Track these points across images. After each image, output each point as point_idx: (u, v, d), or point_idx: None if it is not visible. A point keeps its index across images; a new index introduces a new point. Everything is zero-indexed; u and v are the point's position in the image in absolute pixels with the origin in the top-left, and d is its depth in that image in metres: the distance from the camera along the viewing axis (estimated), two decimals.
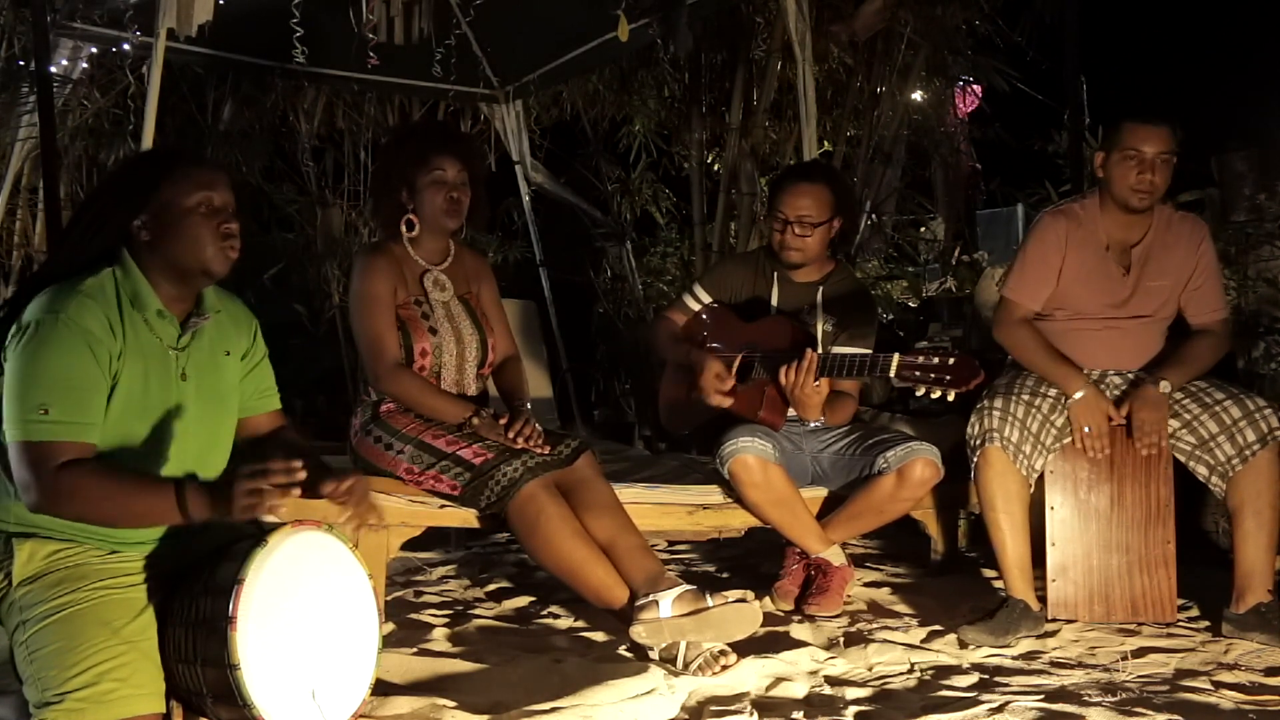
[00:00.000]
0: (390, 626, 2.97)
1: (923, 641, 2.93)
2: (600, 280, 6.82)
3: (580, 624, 3.11)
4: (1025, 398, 3.05)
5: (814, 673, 2.66)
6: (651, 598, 2.67)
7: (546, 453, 2.91)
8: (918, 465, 3.09)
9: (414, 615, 3.18)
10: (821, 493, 3.33)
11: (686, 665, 2.62)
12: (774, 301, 3.41)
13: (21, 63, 4.92)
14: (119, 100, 5.36)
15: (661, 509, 3.25)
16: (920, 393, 2.91)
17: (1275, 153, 4.74)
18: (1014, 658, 2.80)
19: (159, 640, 1.98)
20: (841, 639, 2.95)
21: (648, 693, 2.45)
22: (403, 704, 2.38)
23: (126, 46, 4.66)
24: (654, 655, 2.69)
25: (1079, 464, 3.08)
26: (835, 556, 3.25)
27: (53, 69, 4.34)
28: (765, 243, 3.60)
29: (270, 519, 2.34)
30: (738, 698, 2.47)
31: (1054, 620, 3.03)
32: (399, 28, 4.88)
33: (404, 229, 3.08)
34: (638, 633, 2.66)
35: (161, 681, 1.95)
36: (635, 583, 2.74)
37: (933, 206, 8.19)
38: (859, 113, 6.18)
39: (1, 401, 1.96)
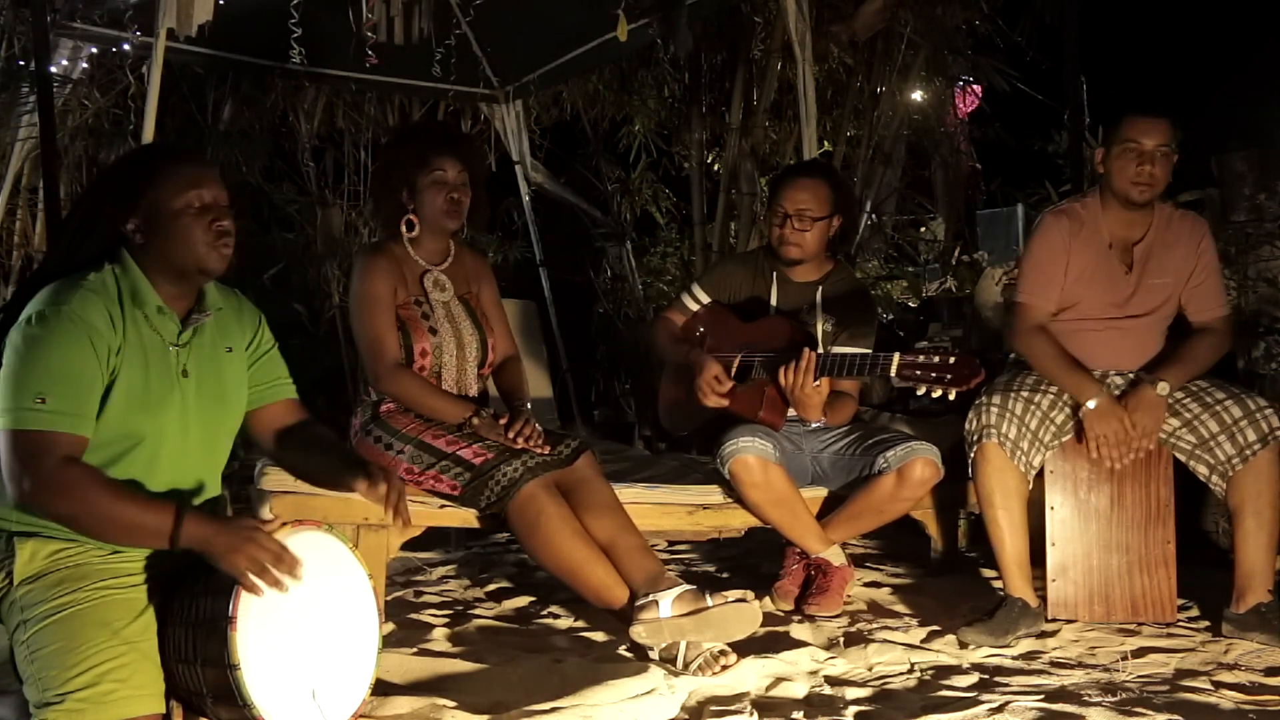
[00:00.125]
0: (390, 626, 2.97)
1: (923, 641, 2.93)
2: (600, 280, 6.82)
3: (580, 624, 3.11)
4: (1024, 394, 3.05)
5: (814, 673, 2.66)
6: (651, 598, 2.67)
7: (546, 453, 2.91)
8: (918, 465, 3.09)
9: (414, 615, 3.18)
10: (821, 493, 3.33)
11: (686, 665, 2.62)
12: (773, 301, 3.41)
13: (21, 63, 4.92)
14: (119, 100, 5.36)
15: (661, 509, 3.25)
16: (921, 392, 2.91)
17: (1275, 153, 4.74)
18: (1014, 658, 2.80)
19: (159, 640, 1.98)
20: (841, 639, 2.95)
21: (648, 693, 2.45)
22: (403, 704, 2.38)
23: (126, 46, 4.67)
24: (654, 655, 2.69)
25: (1079, 464, 3.08)
26: (835, 556, 3.25)
27: (53, 69, 4.34)
28: (765, 242, 3.60)
29: (269, 518, 2.34)
30: (738, 698, 2.47)
31: (1054, 620, 3.03)
32: (399, 28, 4.88)
33: (404, 229, 3.08)
34: (637, 633, 2.66)
35: (161, 682, 1.96)
36: (635, 583, 2.74)
37: (933, 206, 8.19)
38: (859, 113, 6.18)
39: None
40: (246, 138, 6.01)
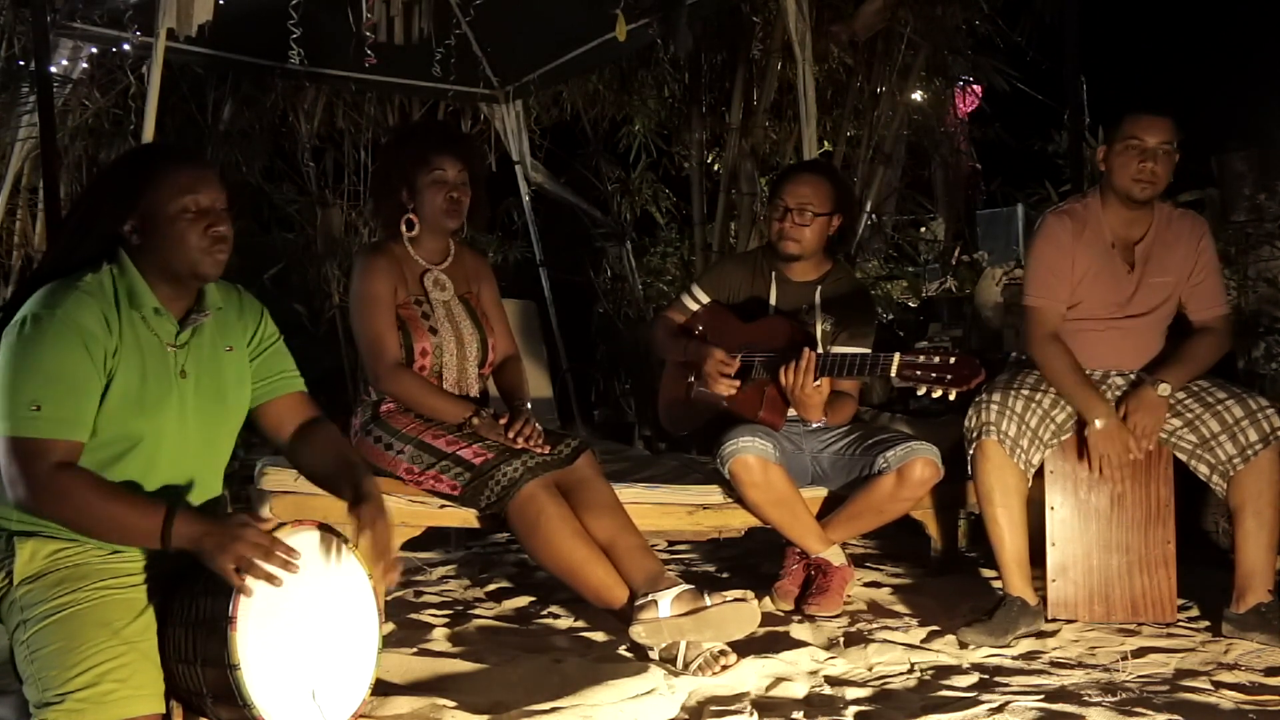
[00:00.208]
0: (390, 626, 2.97)
1: (923, 641, 2.93)
2: (600, 280, 6.81)
3: (580, 624, 3.11)
4: (1025, 393, 3.04)
5: (814, 673, 2.66)
6: (651, 597, 2.67)
7: (546, 453, 2.90)
8: (917, 465, 3.09)
9: (414, 615, 3.18)
10: (821, 493, 3.33)
11: (686, 665, 2.62)
12: (772, 301, 3.41)
13: (21, 63, 4.92)
14: (119, 100, 5.36)
15: (661, 509, 3.25)
16: (921, 392, 2.91)
17: (1275, 153, 4.75)
18: (1014, 658, 2.80)
19: (159, 640, 1.98)
20: (841, 639, 2.95)
21: (648, 693, 2.45)
22: (403, 704, 2.38)
23: (126, 46, 4.66)
24: (654, 655, 2.69)
25: (1079, 464, 3.08)
26: (835, 556, 3.25)
27: (53, 69, 4.34)
28: (764, 242, 3.60)
29: (269, 517, 2.33)
30: (738, 698, 2.47)
31: (1054, 620, 3.03)
32: (399, 28, 4.87)
33: (404, 229, 3.08)
34: (637, 633, 2.66)
35: (161, 682, 1.95)
36: (635, 582, 2.74)
37: (933, 206, 8.19)
38: (859, 113, 6.17)
39: None
40: (246, 138, 6.01)
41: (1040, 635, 2.94)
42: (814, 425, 3.29)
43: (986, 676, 2.64)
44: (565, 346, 5.81)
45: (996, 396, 3.02)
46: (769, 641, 2.87)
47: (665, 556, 3.90)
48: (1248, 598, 2.89)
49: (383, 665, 2.17)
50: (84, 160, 5.48)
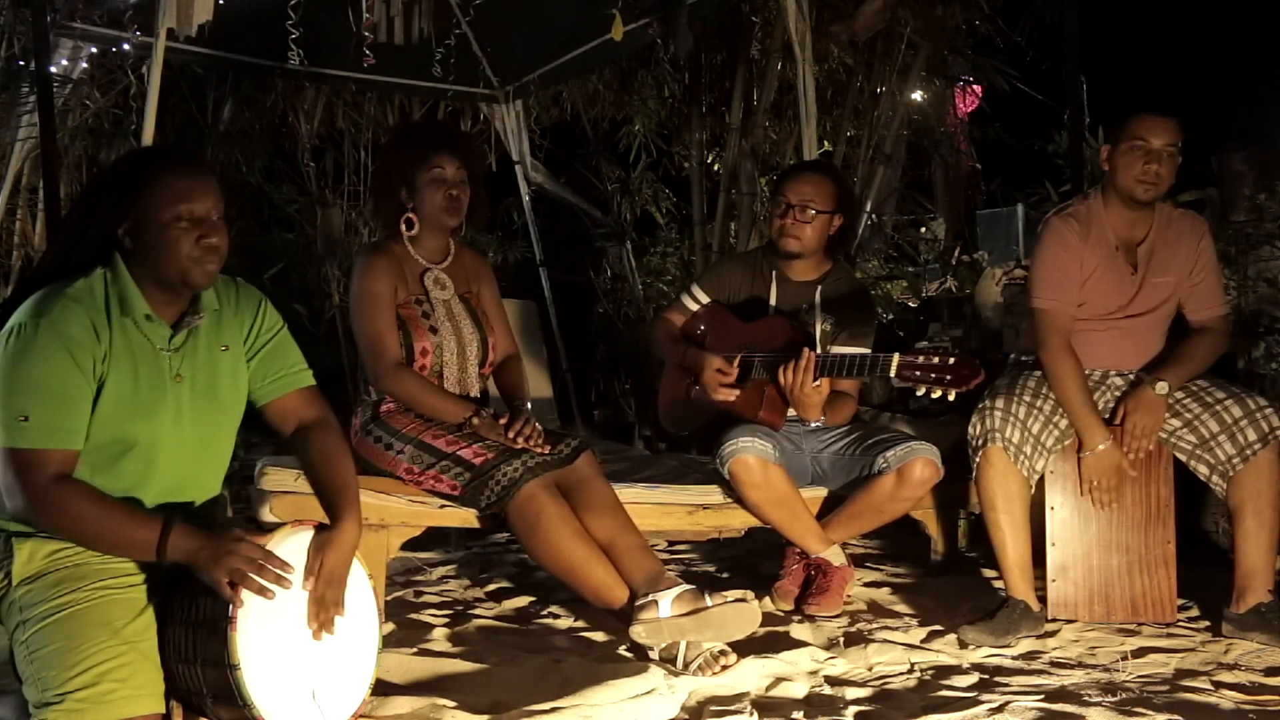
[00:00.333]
0: (390, 626, 2.97)
1: (923, 641, 2.93)
2: (600, 280, 6.82)
3: (580, 624, 3.11)
4: (1027, 399, 3.04)
5: (814, 673, 2.66)
6: (651, 597, 2.67)
7: (546, 452, 2.90)
8: (917, 465, 3.09)
9: (414, 615, 3.18)
10: (821, 493, 3.33)
11: (686, 665, 2.62)
12: (772, 301, 3.41)
13: (21, 63, 4.92)
14: (119, 100, 5.36)
15: (661, 509, 3.25)
16: (921, 392, 2.91)
17: (1275, 153, 4.74)
18: (1014, 658, 2.80)
19: (159, 640, 1.98)
20: (841, 639, 2.95)
21: (648, 693, 2.44)
22: (403, 704, 2.38)
23: (126, 46, 4.67)
24: (654, 655, 2.69)
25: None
26: (835, 556, 3.25)
27: (53, 69, 4.34)
28: (764, 242, 3.60)
29: (269, 519, 2.33)
30: (738, 698, 2.47)
31: (1054, 620, 3.03)
32: (399, 28, 4.88)
33: (404, 228, 3.08)
34: (637, 633, 2.66)
35: (161, 682, 1.95)
36: (635, 582, 2.73)
37: (933, 206, 8.19)
38: (859, 113, 6.17)
39: None
40: (246, 138, 6.01)
41: (1040, 635, 2.94)
42: (814, 425, 3.29)
43: (986, 676, 2.64)
44: (565, 346, 5.81)
45: (1000, 403, 3.01)
46: (769, 641, 2.87)
47: (665, 556, 3.90)
48: (1248, 598, 2.89)
49: (383, 665, 2.17)
50: (84, 160, 5.49)
